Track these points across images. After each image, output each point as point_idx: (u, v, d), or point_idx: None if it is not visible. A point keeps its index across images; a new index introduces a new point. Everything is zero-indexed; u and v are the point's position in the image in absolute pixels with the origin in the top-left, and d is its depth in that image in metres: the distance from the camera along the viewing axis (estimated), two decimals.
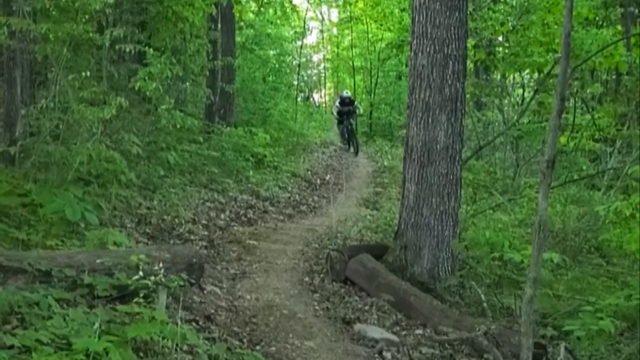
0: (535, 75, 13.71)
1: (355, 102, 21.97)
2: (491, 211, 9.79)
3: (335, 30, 32.43)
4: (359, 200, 13.67)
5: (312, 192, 14.09)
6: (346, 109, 20.74)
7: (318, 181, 15.25)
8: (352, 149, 20.78)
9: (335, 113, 21.85)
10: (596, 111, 11.91)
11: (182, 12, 11.09)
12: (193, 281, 5.80)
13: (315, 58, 35.04)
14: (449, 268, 7.50)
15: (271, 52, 21.02)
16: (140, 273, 4.58)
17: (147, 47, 8.69)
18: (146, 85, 8.41)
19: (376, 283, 7.06)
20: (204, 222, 9.33)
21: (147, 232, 7.87)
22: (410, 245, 7.57)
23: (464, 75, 7.73)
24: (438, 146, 7.48)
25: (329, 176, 15.84)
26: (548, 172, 4.18)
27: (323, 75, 36.06)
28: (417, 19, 7.59)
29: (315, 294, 7.05)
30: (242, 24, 18.79)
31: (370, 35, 27.15)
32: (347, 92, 22.35)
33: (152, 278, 4.56)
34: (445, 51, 7.45)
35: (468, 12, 8.04)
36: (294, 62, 25.24)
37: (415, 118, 7.61)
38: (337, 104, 21.85)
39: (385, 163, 18.73)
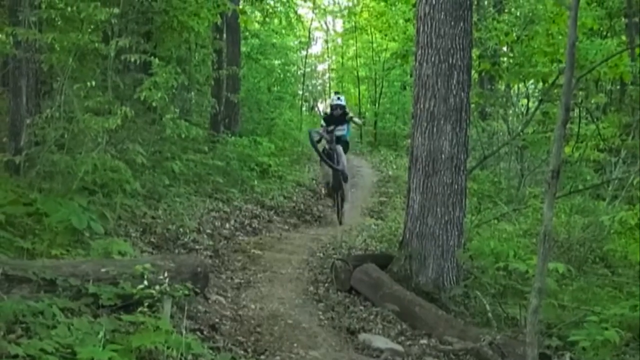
0: (540, 85, 13.73)
1: (352, 119, 12.41)
2: (496, 221, 9.75)
3: (340, 40, 32.48)
4: (363, 209, 13.67)
5: (317, 202, 14.09)
6: (333, 131, 11.80)
7: (323, 190, 15.23)
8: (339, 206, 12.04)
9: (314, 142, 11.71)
10: (601, 121, 11.87)
11: (187, 21, 11.13)
12: (198, 290, 5.80)
13: (320, 68, 35.03)
14: (454, 278, 7.48)
15: (276, 62, 21.07)
16: (145, 282, 4.57)
17: (152, 57, 8.73)
18: (151, 95, 8.43)
19: (381, 293, 7.05)
20: (208, 231, 9.33)
21: (152, 242, 7.88)
22: (415, 254, 7.55)
23: (469, 85, 7.73)
24: (443, 156, 7.47)
25: None
26: (553, 182, 4.17)
27: (328, 85, 36.10)
28: (421, 29, 7.60)
29: (319, 303, 7.03)
30: (247, 33, 18.88)
31: (374, 45, 27.20)
32: (339, 98, 12.35)
33: (157, 287, 4.56)
34: (450, 61, 7.45)
35: (473, 22, 8.06)
36: (298, 72, 25.32)
37: (420, 128, 7.61)
38: (322, 122, 12.50)
39: (390, 173, 18.75)
